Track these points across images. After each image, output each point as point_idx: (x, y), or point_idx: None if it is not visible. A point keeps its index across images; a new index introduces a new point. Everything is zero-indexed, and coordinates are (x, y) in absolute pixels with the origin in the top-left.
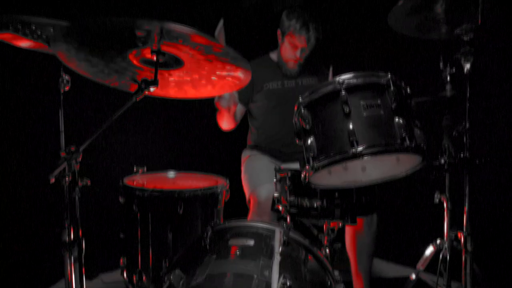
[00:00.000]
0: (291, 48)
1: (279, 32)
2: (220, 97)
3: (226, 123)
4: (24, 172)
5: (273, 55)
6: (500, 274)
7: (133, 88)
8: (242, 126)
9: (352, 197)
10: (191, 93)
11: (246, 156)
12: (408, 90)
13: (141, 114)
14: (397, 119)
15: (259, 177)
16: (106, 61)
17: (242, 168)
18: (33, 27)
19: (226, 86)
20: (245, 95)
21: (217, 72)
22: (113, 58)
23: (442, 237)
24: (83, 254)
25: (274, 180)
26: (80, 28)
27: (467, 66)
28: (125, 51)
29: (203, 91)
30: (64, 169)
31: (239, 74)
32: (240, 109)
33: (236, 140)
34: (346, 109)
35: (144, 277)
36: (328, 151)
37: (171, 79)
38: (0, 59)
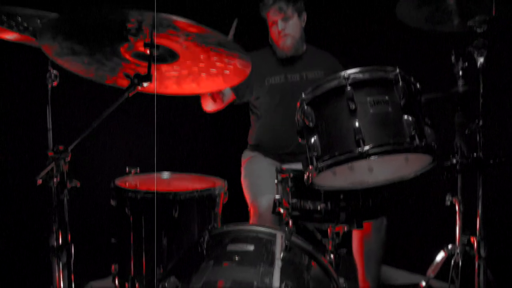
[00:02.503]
0: (275, 27)
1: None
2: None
3: (210, 106)
4: (9, 173)
5: (274, 46)
6: None
7: (110, 80)
8: (242, 124)
9: (358, 200)
10: (177, 88)
11: (247, 158)
12: (418, 85)
13: (134, 111)
14: (406, 117)
15: (260, 186)
16: (94, 52)
17: (242, 172)
18: (19, 19)
19: (223, 80)
20: (240, 86)
21: (212, 69)
22: (102, 51)
23: (454, 242)
24: (72, 260)
25: (276, 181)
26: (68, 20)
27: (481, 60)
28: (116, 45)
29: (197, 87)
30: (52, 169)
31: (238, 66)
32: (227, 92)
33: (235, 139)
34: (352, 106)
35: (137, 285)
36: (332, 151)
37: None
38: None
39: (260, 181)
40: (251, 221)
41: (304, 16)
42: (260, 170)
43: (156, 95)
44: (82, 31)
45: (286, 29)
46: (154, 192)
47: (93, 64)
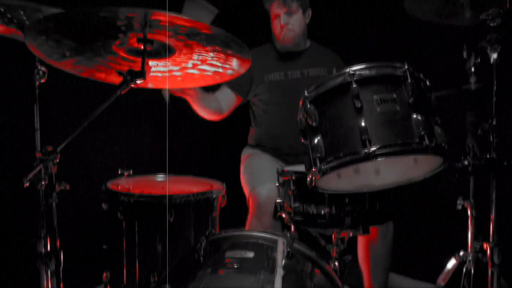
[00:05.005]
0: (277, 21)
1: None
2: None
3: (203, 113)
4: None
5: (275, 42)
6: None
7: (86, 73)
8: (241, 123)
9: (365, 204)
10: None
11: (247, 155)
12: (427, 82)
13: (127, 109)
14: (415, 116)
15: (260, 176)
16: (83, 50)
17: (242, 168)
18: (2, 9)
19: (222, 74)
20: (237, 81)
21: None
22: (92, 48)
23: (465, 248)
24: (61, 267)
25: (277, 184)
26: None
27: (494, 56)
28: (108, 42)
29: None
30: (40, 171)
31: (234, 62)
32: (228, 96)
33: (234, 140)
34: (358, 104)
35: None
36: (337, 152)
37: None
38: None
39: (260, 171)
40: (249, 215)
41: (309, 12)
42: (260, 162)
43: (150, 91)
44: (75, 28)
45: (289, 24)
46: (148, 196)
47: (75, 57)
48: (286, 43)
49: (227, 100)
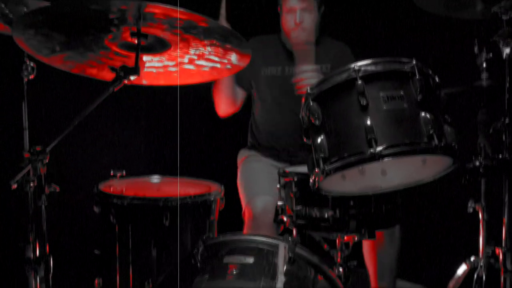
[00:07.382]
0: (291, 16)
1: (279, 8)
2: None
3: (224, 104)
4: None
5: (282, 35)
6: None
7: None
8: (240, 123)
9: (370, 207)
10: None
11: (243, 157)
12: (437, 79)
13: (119, 108)
14: (423, 114)
15: (256, 186)
16: (75, 44)
17: (238, 172)
18: None
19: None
20: (242, 75)
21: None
22: (84, 41)
23: (476, 253)
24: (50, 273)
25: (278, 185)
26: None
27: (507, 51)
28: (100, 37)
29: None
30: (28, 173)
31: (232, 57)
32: (239, 91)
33: (233, 140)
34: (363, 102)
35: None
36: (341, 152)
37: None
38: None
39: (256, 181)
40: (245, 227)
41: (322, 8)
42: (256, 169)
43: (143, 87)
44: (65, 21)
45: (305, 22)
46: (142, 198)
47: (65, 52)
48: (297, 44)
49: (241, 94)
